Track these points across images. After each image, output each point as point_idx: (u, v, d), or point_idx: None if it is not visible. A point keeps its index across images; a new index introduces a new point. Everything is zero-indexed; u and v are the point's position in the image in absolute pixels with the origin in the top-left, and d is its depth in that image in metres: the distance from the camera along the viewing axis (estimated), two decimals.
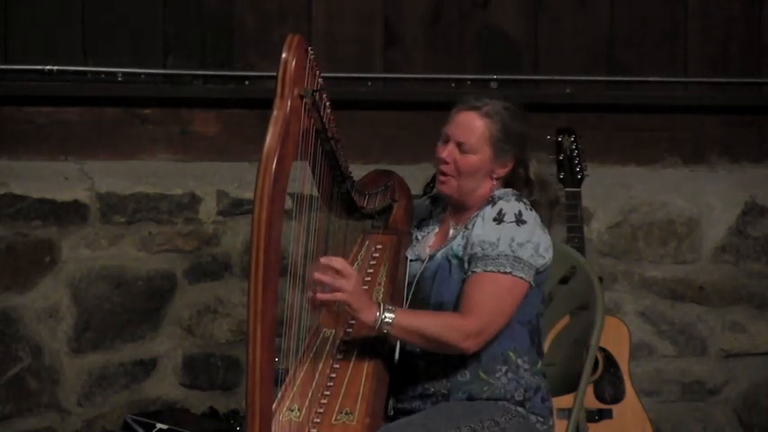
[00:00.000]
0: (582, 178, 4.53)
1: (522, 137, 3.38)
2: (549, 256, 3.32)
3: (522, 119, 3.38)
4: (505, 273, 3.23)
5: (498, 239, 3.25)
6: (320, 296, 3.12)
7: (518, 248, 3.24)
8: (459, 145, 3.33)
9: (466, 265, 3.29)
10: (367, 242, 3.56)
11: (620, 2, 5.13)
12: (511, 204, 3.30)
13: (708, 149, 5.21)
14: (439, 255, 3.37)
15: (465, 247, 3.30)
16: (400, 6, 5.03)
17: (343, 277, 3.10)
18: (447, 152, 3.34)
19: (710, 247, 5.10)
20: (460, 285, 3.28)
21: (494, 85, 5.00)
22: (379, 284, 3.39)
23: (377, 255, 3.50)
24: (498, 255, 3.24)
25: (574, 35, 5.11)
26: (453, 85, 5.02)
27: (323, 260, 3.12)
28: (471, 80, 5.02)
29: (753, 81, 5.21)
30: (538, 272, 3.30)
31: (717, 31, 5.18)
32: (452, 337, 3.20)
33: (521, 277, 3.24)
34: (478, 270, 3.25)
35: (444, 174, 3.35)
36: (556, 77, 5.09)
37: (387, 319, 3.15)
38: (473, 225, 3.32)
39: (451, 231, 3.41)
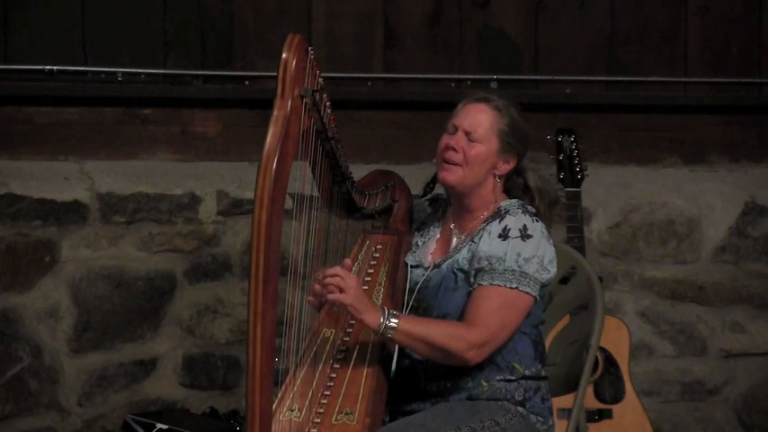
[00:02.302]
0: (582, 178, 4.52)
1: (527, 136, 3.40)
2: (553, 269, 3.32)
3: (527, 120, 3.40)
4: (512, 288, 3.24)
5: (505, 254, 3.25)
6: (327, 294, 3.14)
7: (524, 263, 3.25)
8: (468, 134, 3.34)
9: (472, 279, 3.29)
10: (367, 242, 3.56)
11: (620, 2, 5.12)
12: (516, 218, 3.31)
13: (708, 149, 5.20)
14: (444, 266, 3.37)
15: (471, 261, 3.31)
16: (400, 6, 5.03)
17: (345, 283, 3.12)
18: (455, 140, 3.34)
19: (710, 247, 5.09)
20: (466, 298, 3.28)
21: (494, 85, 5.00)
22: (379, 285, 3.39)
23: (377, 255, 3.50)
24: (505, 269, 3.25)
25: (574, 35, 5.11)
26: (453, 85, 5.02)
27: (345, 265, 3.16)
28: (471, 80, 5.02)
29: (753, 81, 5.21)
30: (542, 286, 3.31)
31: (717, 31, 5.18)
32: (456, 346, 3.19)
33: (526, 292, 3.25)
34: (485, 283, 3.25)
35: (450, 162, 3.35)
36: (556, 77, 5.09)
37: (391, 324, 3.15)
38: (479, 239, 3.32)
39: (455, 240, 3.41)
